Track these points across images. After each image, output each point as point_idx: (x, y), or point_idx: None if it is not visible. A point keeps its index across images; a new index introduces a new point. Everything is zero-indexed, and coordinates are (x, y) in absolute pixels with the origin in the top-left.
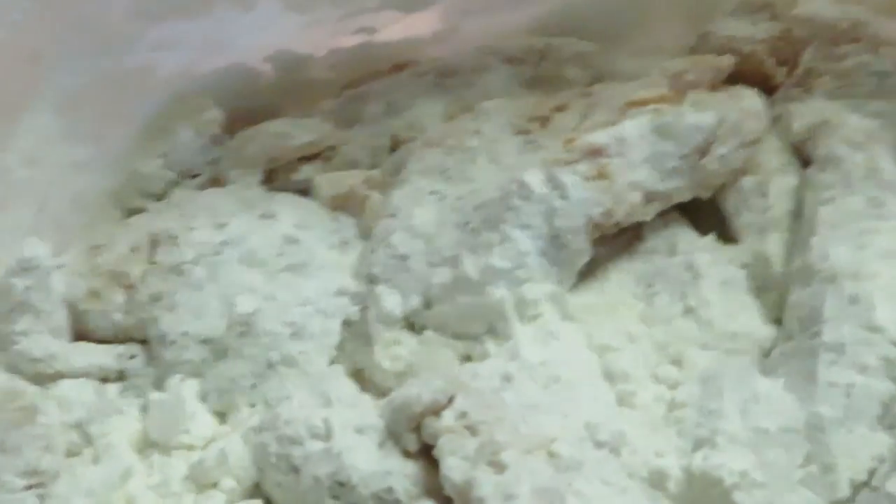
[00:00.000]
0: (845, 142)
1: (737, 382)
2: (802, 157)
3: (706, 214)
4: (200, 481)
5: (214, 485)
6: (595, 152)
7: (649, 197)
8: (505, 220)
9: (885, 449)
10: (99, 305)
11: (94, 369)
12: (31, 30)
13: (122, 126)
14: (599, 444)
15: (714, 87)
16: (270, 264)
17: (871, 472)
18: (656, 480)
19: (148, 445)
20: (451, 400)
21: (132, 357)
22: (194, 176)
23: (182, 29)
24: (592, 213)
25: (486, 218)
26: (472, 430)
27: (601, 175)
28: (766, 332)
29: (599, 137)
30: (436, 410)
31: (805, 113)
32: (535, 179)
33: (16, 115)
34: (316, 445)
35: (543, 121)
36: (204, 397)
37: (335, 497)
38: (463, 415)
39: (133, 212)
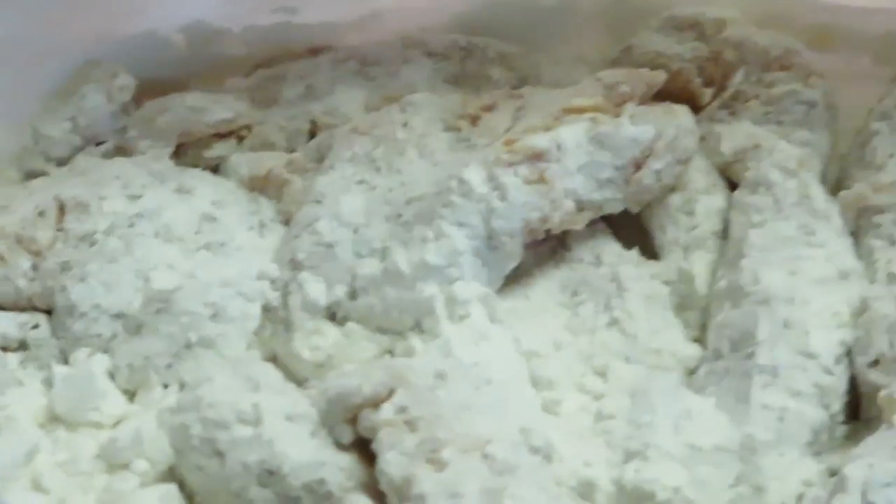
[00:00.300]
0: (777, 167)
1: (668, 398)
2: (728, 178)
3: (627, 229)
4: (112, 461)
5: (126, 465)
6: (536, 156)
7: (581, 206)
8: (441, 217)
9: (814, 475)
10: (2, 270)
11: None
12: None
13: (28, 87)
14: (534, 450)
15: (643, 101)
16: (188, 241)
17: (799, 497)
18: (585, 491)
19: (52, 420)
20: (391, 393)
21: (35, 327)
22: (99, 143)
23: None
24: (530, 217)
25: (419, 212)
26: (412, 425)
27: (541, 179)
28: (689, 350)
29: (541, 141)
30: (375, 403)
31: (734, 135)
32: (476, 178)
33: None
34: (244, 431)
35: (473, 119)
36: (113, 374)
37: (263, 485)
38: (403, 409)
39: (33, 175)
